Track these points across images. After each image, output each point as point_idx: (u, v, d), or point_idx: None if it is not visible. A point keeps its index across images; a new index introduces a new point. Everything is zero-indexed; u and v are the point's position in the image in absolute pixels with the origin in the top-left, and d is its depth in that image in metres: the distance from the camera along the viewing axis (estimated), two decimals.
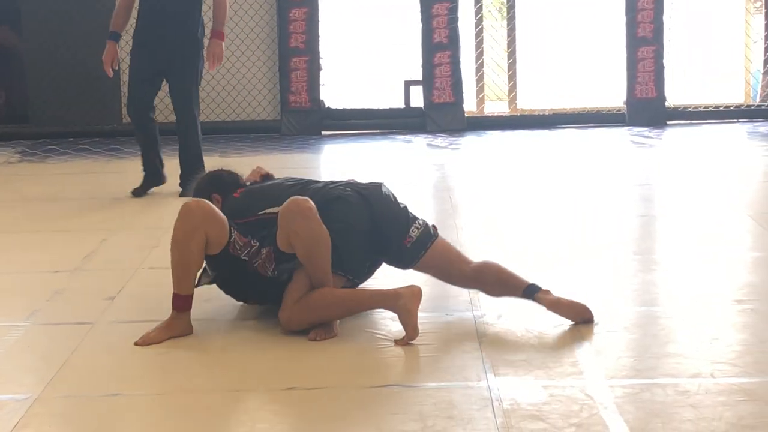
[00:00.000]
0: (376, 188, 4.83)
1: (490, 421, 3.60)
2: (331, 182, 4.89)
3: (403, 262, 4.82)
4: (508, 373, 4.04)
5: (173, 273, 4.53)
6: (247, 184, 5.01)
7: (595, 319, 4.59)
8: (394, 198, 4.84)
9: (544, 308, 4.61)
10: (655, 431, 3.50)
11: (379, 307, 4.58)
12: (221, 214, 4.55)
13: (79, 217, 6.95)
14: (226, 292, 4.83)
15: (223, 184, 4.98)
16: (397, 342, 4.37)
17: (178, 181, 7.78)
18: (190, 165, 7.61)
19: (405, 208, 4.83)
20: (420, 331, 4.40)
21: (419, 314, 4.45)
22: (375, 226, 4.71)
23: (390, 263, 4.89)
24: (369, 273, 4.87)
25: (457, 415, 3.67)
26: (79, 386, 4.05)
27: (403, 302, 4.38)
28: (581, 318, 4.60)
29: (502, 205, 7.28)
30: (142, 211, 7.21)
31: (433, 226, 4.87)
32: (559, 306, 4.61)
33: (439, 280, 4.90)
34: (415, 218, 4.80)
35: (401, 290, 4.43)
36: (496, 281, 4.75)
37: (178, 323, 4.52)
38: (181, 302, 4.52)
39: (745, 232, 6.28)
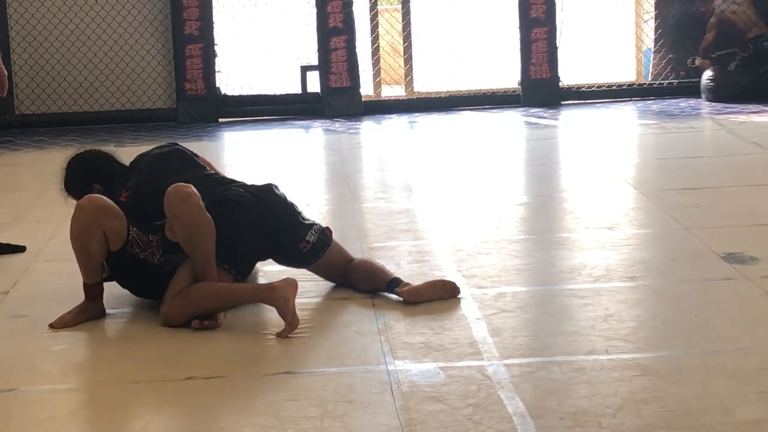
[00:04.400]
0: (269, 190, 4.87)
1: (389, 404, 3.63)
2: (224, 181, 4.90)
3: (297, 263, 4.92)
4: (407, 356, 4.07)
5: (78, 265, 4.64)
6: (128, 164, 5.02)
7: (460, 293, 4.72)
8: (287, 200, 4.89)
9: (403, 300, 4.69)
10: (551, 408, 3.55)
11: (256, 301, 4.58)
12: (117, 209, 4.58)
13: None
14: (123, 287, 4.81)
15: (97, 173, 4.95)
16: (279, 334, 4.32)
17: None
18: None
19: (299, 211, 4.89)
20: (318, 317, 4.41)
21: (310, 300, 4.46)
22: (267, 228, 4.75)
23: (283, 263, 4.97)
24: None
25: (357, 399, 3.69)
26: None
27: (279, 294, 4.37)
28: (446, 293, 4.72)
29: (399, 188, 7.31)
30: (35, 204, 7.10)
31: (327, 228, 4.94)
32: (418, 293, 4.70)
33: (323, 279, 4.99)
34: (312, 224, 4.88)
35: (276, 284, 4.44)
36: (365, 277, 4.86)
37: (90, 308, 4.66)
38: (90, 290, 4.65)
39: (638, 209, 6.38)
